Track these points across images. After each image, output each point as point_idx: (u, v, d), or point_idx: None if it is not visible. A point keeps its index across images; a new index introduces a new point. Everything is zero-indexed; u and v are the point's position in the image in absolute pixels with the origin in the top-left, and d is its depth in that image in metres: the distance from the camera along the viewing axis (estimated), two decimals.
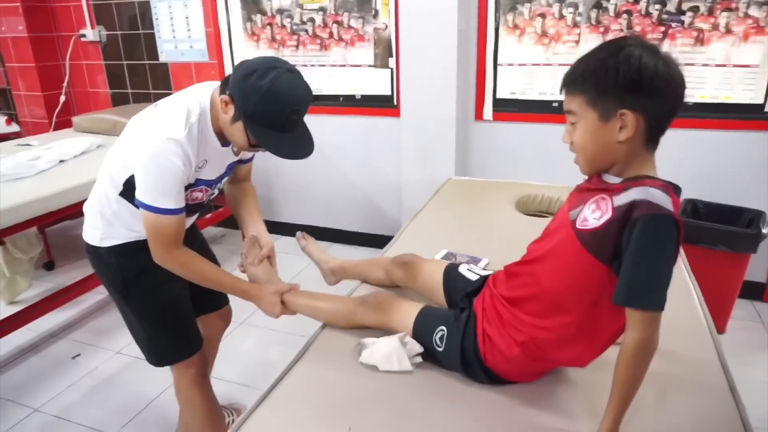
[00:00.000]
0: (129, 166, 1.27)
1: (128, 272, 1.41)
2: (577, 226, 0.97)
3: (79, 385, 2.22)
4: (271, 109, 1.17)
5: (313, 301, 1.40)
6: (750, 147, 2.54)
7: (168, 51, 3.52)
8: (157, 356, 1.52)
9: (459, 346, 1.13)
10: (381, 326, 1.28)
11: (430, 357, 1.19)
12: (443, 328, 1.17)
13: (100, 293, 2.77)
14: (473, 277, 1.29)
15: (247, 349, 2.45)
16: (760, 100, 2.47)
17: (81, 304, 2.77)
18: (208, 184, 1.39)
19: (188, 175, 1.27)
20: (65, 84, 3.86)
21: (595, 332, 1.01)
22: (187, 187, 1.31)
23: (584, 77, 0.93)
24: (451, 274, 1.34)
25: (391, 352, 1.17)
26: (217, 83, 1.30)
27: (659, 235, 0.87)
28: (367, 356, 1.20)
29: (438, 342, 1.16)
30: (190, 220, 1.51)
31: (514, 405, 1.08)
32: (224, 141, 1.33)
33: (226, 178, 1.49)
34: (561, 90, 0.99)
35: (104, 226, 1.39)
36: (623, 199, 0.90)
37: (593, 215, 0.95)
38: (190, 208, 1.37)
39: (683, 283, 1.57)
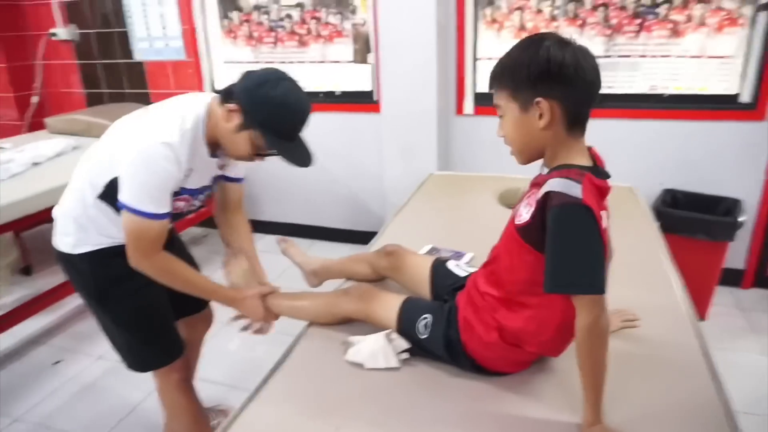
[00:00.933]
0: (113, 168, 1.24)
1: (103, 279, 1.38)
2: (516, 221, 1.03)
3: (61, 392, 2.18)
4: (283, 119, 1.22)
5: (294, 301, 1.40)
6: (725, 137, 2.58)
7: (143, 49, 3.46)
8: (137, 363, 1.49)
9: (443, 333, 1.14)
10: (363, 316, 1.28)
11: (415, 347, 1.20)
12: (428, 315, 1.18)
13: (80, 297, 2.72)
14: (462, 274, 1.31)
15: (232, 349, 2.42)
16: (735, 91, 2.52)
17: (61, 308, 2.71)
18: (191, 194, 1.36)
19: (179, 180, 1.25)
20: (37, 84, 3.77)
21: (555, 322, 1.04)
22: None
23: (503, 72, 1.00)
24: (440, 269, 1.35)
25: (378, 349, 1.17)
26: (210, 95, 1.31)
27: (568, 223, 0.91)
28: (353, 354, 1.19)
29: (422, 329, 1.17)
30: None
31: (501, 397, 1.09)
32: (213, 152, 1.33)
33: (208, 192, 1.45)
34: (489, 88, 1.04)
35: (77, 231, 1.34)
36: (542, 191, 0.94)
37: (525, 210, 1.00)
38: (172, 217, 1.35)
39: (663, 272, 1.59)
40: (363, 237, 3.37)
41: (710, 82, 2.54)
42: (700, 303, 2.45)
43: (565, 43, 0.95)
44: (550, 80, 0.94)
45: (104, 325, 1.46)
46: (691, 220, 2.42)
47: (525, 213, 1.00)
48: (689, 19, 2.47)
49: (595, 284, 0.90)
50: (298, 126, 1.25)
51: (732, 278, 2.75)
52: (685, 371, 1.16)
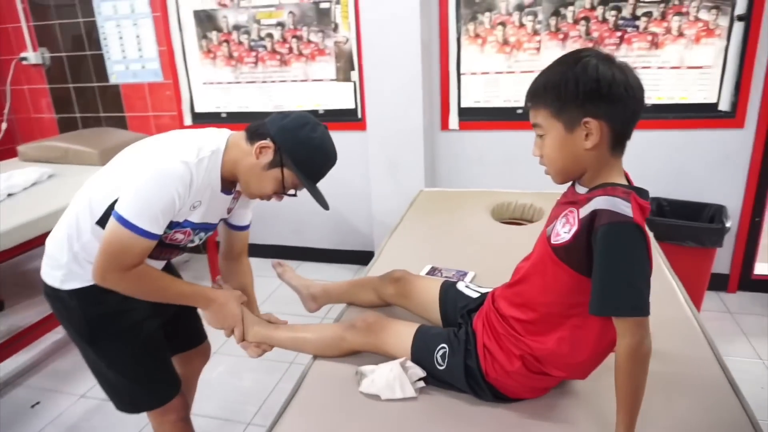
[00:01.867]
0: (119, 190, 1.17)
1: (94, 318, 1.29)
2: (552, 241, 0.99)
3: None
4: (318, 161, 1.26)
5: (295, 333, 1.34)
6: (707, 144, 2.63)
7: (119, 72, 3.37)
8: (131, 404, 1.40)
9: (462, 363, 1.10)
10: (373, 350, 1.23)
11: (431, 378, 1.15)
12: (444, 345, 1.14)
13: (59, 332, 2.59)
14: (474, 295, 1.27)
15: (221, 379, 2.32)
16: (714, 100, 2.57)
17: (38, 346, 2.56)
18: (193, 228, 1.29)
19: (182, 206, 1.19)
20: (6, 110, 3.63)
21: (590, 343, 1.01)
22: (171, 226, 1.22)
23: (546, 90, 0.96)
24: (449, 292, 1.31)
25: (393, 379, 1.12)
26: (228, 131, 1.30)
27: (620, 242, 0.88)
28: (367, 385, 1.14)
29: (440, 360, 1.13)
30: (161, 263, 1.40)
31: (523, 424, 1.05)
32: (226, 188, 1.30)
33: (209, 233, 1.39)
34: (526, 104, 1.01)
35: (68, 263, 1.26)
36: (586, 210, 0.92)
37: (563, 229, 0.97)
38: (165, 247, 1.29)
39: (667, 284, 1.59)
40: (351, 257, 3.32)
41: (690, 92, 2.59)
42: None
43: (610, 60, 0.93)
44: (600, 99, 0.91)
45: (94, 365, 1.37)
46: (681, 227, 2.44)
47: (564, 232, 0.96)
48: (668, 30, 2.52)
49: (643, 306, 0.88)
50: (326, 170, 1.29)
51: (718, 283, 2.79)
52: (705, 385, 1.14)
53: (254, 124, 1.27)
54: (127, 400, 1.40)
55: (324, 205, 1.30)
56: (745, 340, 2.42)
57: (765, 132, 2.53)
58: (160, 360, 1.42)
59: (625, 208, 0.88)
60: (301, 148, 1.22)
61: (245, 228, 1.50)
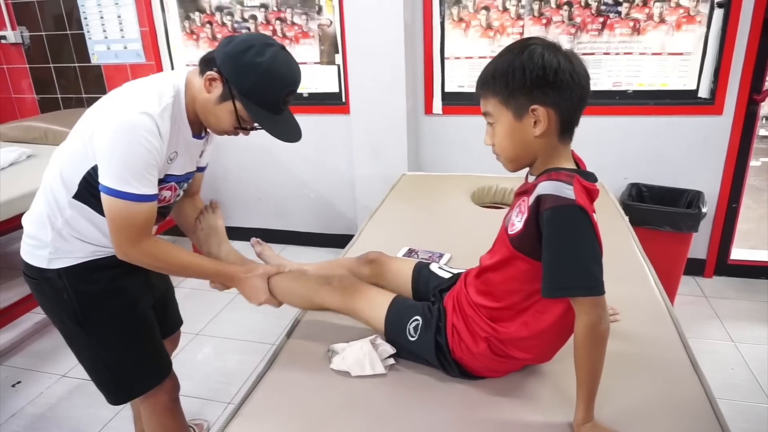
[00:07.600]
0: (87, 159, 1.12)
1: (85, 297, 1.24)
2: (509, 232, 1.01)
3: (23, 415, 2.06)
4: (270, 88, 1.12)
5: (274, 279, 1.31)
6: (686, 131, 2.66)
7: (100, 52, 3.33)
8: (126, 388, 1.35)
9: (433, 337, 1.12)
10: (345, 311, 1.23)
11: (402, 350, 1.17)
12: (418, 318, 1.15)
13: (39, 313, 2.59)
14: (446, 276, 1.28)
15: (204, 360, 2.35)
16: (693, 86, 2.60)
17: (17, 326, 2.57)
18: (177, 181, 1.25)
19: (163, 159, 1.13)
20: None
21: (551, 327, 1.02)
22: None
23: (494, 78, 0.96)
24: (422, 272, 1.32)
25: (363, 356, 1.14)
26: (187, 68, 1.21)
27: (564, 224, 0.89)
28: (338, 362, 1.16)
29: (412, 332, 1.14)
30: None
31: (490, 401, 1.07)
32: (196, 131, 1.23)
33: (190, 180, 1.35)
34: (476, 93, 1.01)
35: (54, 241, 1.20)
36: (533, 196, 0.93)
37: (517, 218, 0.99)
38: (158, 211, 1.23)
39: (638, 265, 1.62)
40: (334, 240, 3.34)
41: (670, 78, 2.61)
42: (668, 292, 2.49)
43: (556, 48, 0.93)
44: (546, 86, 0.91)
45: (85, 348, 1.31)
46: (658, 212, 2.48)
47: (517, 222, 0.98)
48: (649, 17, 2.53)
49: (594, 285, 0.89)
50: (285, 97, 1.15)
51: (695, 267, 2.84)
52: (666, 362, 1.18)
53: (205, 55, 1.16)
54: (122, 382, 1.34)
55: (284, 137, 1.18)
56: (719, 323, 2.47)
57: (743, 119, 2.57)
58: (154, 338, 1.39)
59: (567, 191, 0.89)
60: (245, 75, 1.09)
61: (203, 169, 1.45)
